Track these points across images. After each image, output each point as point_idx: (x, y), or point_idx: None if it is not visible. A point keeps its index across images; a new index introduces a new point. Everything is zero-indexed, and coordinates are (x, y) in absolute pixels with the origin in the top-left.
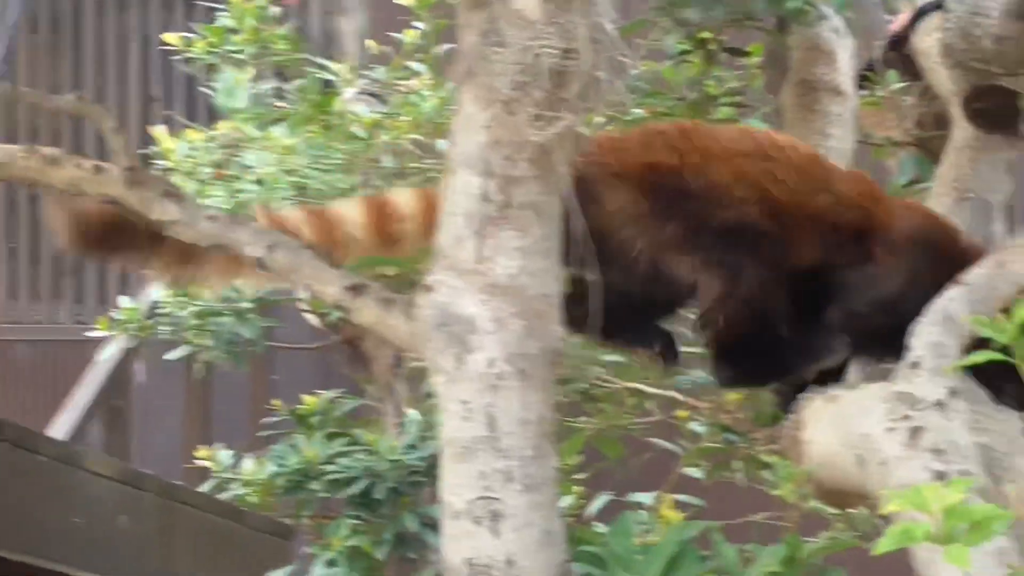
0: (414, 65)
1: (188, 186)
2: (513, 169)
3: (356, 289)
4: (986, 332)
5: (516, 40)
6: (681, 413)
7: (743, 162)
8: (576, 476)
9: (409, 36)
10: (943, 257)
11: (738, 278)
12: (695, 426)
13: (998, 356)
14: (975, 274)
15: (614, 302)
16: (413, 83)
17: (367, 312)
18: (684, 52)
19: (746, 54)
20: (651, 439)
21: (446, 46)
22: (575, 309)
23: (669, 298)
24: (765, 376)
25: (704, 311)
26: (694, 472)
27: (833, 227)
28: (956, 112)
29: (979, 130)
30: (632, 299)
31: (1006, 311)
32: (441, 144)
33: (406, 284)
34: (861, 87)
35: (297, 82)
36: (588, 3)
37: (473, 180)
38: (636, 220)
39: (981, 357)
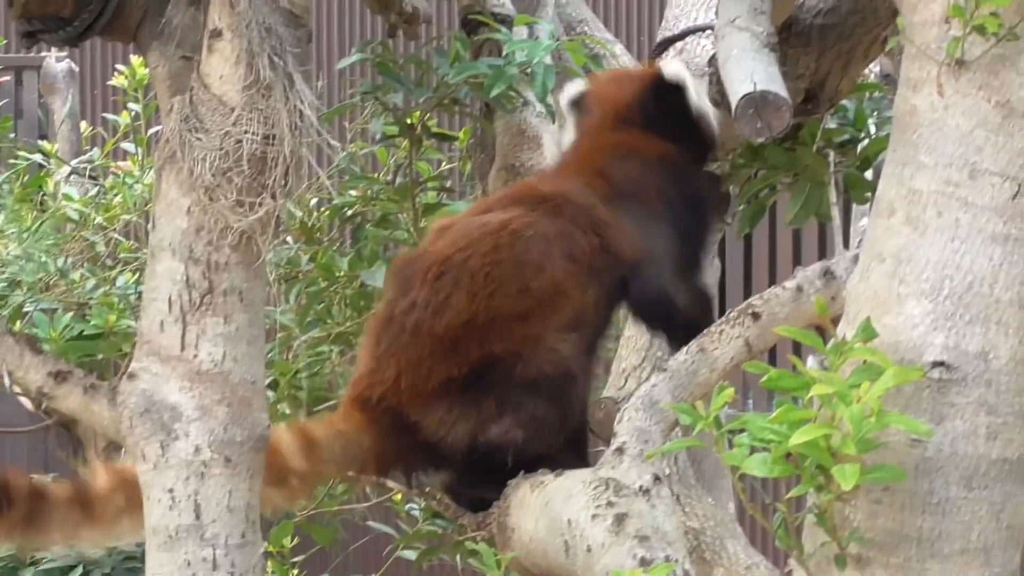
0: (127, 147)
1: None
2: (216, 255)
3: (59, 376)
4: (685, 419)
5: (217, 126)
6: (396, 497)
7: (516, 317)
8: (295, 559)
9: (123, 118)
10: None
11: (543, 427)
12: (412, 510)
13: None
14: (678, 360)
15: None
16: (125, 165)
17: (72, 399)
18: (391, 136)
19: (453, 139)
20: (369, 523)
21: (158, 128)
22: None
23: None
24: None
25: (497, 445)
26: (410, 555)
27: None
28: None
29: None
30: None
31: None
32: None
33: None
34: None
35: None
36: (289, 89)
37: (176, 266)
38: (456, 421)
39: (679, 445)
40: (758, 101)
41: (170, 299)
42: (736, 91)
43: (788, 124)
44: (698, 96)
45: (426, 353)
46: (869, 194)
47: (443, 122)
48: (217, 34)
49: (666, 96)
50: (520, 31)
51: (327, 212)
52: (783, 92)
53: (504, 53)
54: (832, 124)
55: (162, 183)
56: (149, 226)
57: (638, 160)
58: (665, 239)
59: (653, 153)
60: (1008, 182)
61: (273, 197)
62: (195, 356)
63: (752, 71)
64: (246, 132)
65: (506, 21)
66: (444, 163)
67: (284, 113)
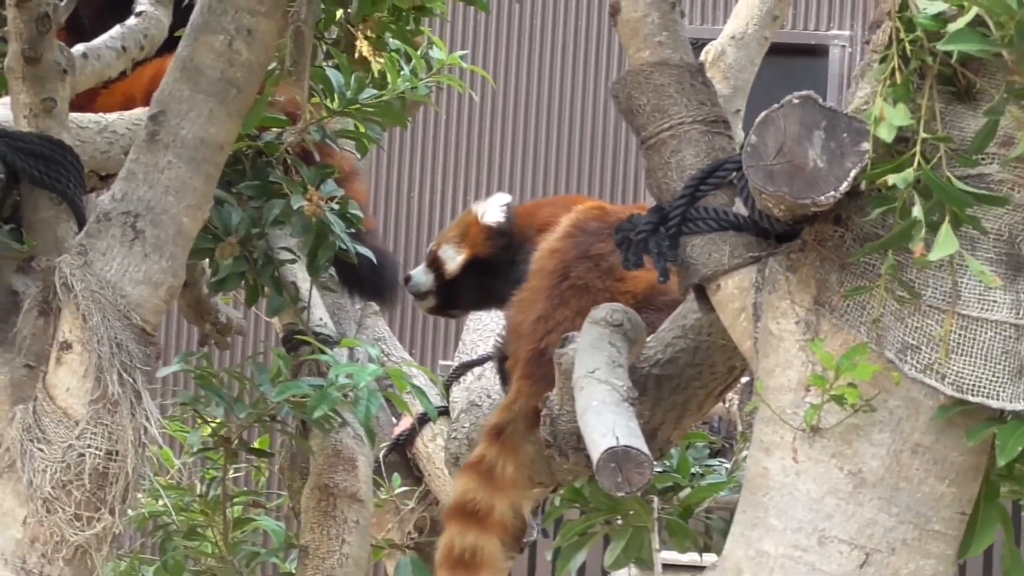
0: None
1: None
2: (49, 568)
3: None
4: None
5: (60, 438)
6: None
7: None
8: None
9: None
10: None
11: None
12: None
13: None
14: None
15: None
16: None
17: None
18: (205, 450)
19: (268, 454)
20: None
21: None
22: None
23: None
24: None
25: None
26: None
27: None
28: None
29: None
30: None
31: None
32: None
33: None
34: None
35: None
36: (136, 406)
37: None
38: None
39: None
40: (620, 456)
41: None
42: (598, 444)
43: (649, 480)
44: None
45: (591, 301)
46: (688, 543)
47: (256, 435)
48: (67, 347)
49: None
50: (342, 352)
51: (135, 519)
52: (645, 448)
53: (330, 375)
54: (657, 470)
55: None
56: None
57: None
58: None
59: None
60: (856, 551)
61: (111, 513)
62: None
63: (613, 425)
64: (89, 446)
65: (328, 342)
66: (255, 477)
67: (129, 430)
